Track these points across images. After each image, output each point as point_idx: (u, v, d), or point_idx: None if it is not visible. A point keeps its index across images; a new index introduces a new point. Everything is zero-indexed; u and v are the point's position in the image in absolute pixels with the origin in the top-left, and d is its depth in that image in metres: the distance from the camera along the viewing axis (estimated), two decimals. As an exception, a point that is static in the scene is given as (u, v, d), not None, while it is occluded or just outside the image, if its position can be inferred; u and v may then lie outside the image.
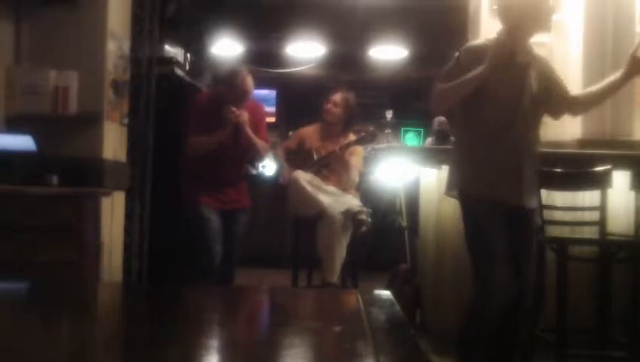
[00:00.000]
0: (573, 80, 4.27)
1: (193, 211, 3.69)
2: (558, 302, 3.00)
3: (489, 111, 2.70)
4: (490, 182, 2.72)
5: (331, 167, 4.14)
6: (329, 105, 4.19)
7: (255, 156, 4.04)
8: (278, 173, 4.52)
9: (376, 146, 4.31)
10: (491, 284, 2.64)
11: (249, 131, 3.73)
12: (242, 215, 3.84)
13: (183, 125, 3.79)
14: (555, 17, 4.43)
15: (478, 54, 2.72)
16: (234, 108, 3.67)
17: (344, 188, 4.10)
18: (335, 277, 3.90)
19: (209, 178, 3.74)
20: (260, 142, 3.82)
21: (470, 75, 2.64)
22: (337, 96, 4.20)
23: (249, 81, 3.72)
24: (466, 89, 2.67)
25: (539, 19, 2.73)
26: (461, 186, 2.81)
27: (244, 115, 3.70)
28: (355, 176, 4.17)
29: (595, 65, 3.98)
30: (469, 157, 2.81)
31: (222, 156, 3.72)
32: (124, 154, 3.94)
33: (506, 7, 2.75)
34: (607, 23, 3.92)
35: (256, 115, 3.87)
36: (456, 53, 2.86)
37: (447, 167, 3.02)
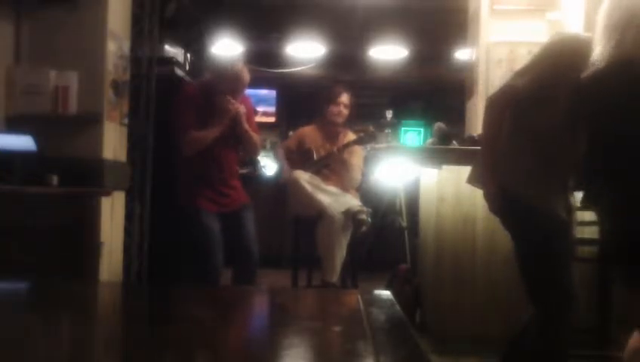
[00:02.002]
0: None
1: (193, 215, 3.61)
2: (558, 302, 2.99)
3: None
4: (553, 191, 2.43)
5: (332, 167, 4.15)
6: (340, 108, 4.17)
7: (251, 149, 3.93)
8: (279, 173, 4.52)
9: (376, 146, 4.31)
10: (563, 307, 2.35)
11: (245, 123, 3.69)
12: (245, 212, 3.73)
13: (174, 121, 3.68)
14: (554, 17, 4.45)
15: (576, 51, 2.34)
16: (232, 100, 3.62)
17: (345, 187, 4.09)
18: (335, 277, 3.90)
19: (207, 177, 3.66)
20: (255, 135, 3.78)
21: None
22: (345, 98, 4.19)
23: (245, 72, 3.67)
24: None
25: None
26: (521, 193, 2.43)
27: (242, 107, 3.67)
28: (357, 175, 4.17)
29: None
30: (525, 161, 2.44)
31: (218, 150, 3.65)
32: (124, 154, 3.93)
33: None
34: (607, 22, 3.91)
35: (246, 107, 3.81)
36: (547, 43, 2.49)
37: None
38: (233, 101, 3.62)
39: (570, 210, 2.48)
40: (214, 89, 3.67)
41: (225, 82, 3.63)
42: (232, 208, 3.70)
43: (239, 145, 3.80)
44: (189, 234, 3.69)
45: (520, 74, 2.44)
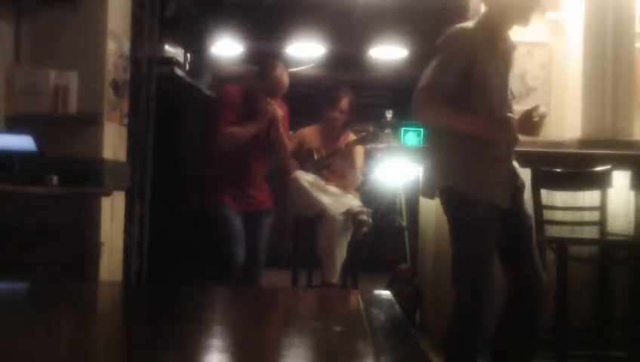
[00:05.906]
0: (573, 80, 4.27)
1: (215, 210, 3.63)
2: (558, 302, 3.00)
3: (480, 103, 2.53)
4: (486, 181, 2.54)
5: (332, 168, 4.14)
6: (336, 114, 4.17)
7: (282, 154, 3.88)
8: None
9: (376, 146, 4.31)
10: (482, 290, 2.56)
11: (281, 127, 3.70)
12: (266, 217, 3.78)
13: (213, 118, 3.72)
14: (554, 17, 4.45)
15: (469, 41, 2.62)
16: (272, 101, 3.63)
17: (347, 187, 4.10)
18: (335, 278, 3.90)
19: (236, 176, 3.68)
20: (287, 140, 3.80)
21: (471, 122, 2.51)
22: (344, 103, 4.18)
23: (286, 75, 3.69)
24: (456, 126, 2.56)
25: (522, 11, 2.58)
26: (452, 186, 2.58)
27: (279, 110, 3.69)
28: (359, 175, 4.18)
29: (595, 65, 3.99)
30: (460, 154, 2.57)
31: (251, 151, 3.66)
32: (124, 154, 3.94)
33: None
34: (607, 22, 3.92)
35: (283, 112, 3.81)
36: (443, 45, 2.76)
37: (426, 166, 2.82)
38: (272, 102, 3.64)
39: (507, 198, 2.57)
40: (254, 91, 3.68)
41: (265, 84, 3.65)
42: (254, 210, 3.72)
43: (271, 149, 3.81)
44: (211, 230, 3.71)
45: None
